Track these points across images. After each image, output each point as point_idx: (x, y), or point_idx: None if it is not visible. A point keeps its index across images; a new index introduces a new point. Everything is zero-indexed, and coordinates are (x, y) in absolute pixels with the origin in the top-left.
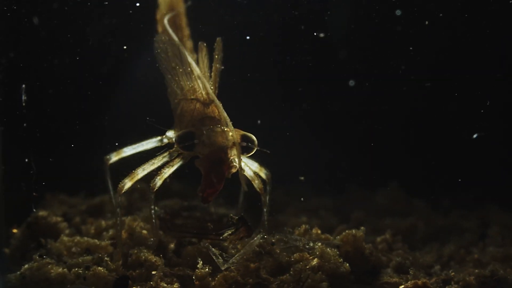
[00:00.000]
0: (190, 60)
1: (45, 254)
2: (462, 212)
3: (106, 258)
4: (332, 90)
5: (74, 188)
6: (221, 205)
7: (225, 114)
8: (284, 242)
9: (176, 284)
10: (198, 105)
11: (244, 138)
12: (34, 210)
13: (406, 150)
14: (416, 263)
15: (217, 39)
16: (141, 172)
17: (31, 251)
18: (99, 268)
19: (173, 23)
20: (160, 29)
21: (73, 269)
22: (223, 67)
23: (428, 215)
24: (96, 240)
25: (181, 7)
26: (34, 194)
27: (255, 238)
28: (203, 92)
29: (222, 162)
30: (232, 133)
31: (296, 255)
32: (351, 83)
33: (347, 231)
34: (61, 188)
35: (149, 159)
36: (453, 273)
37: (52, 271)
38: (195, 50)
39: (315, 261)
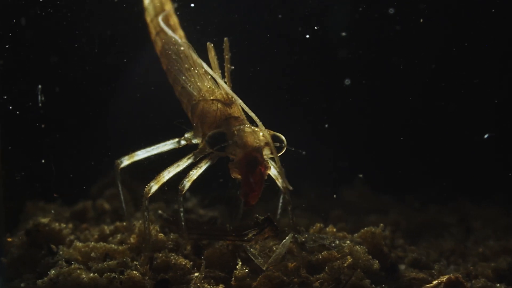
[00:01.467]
0: (201, 61)
1: (61, 260)
2: (436, 207)
3: (135, 262)
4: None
5: (50, 195)
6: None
7: (253, 114)
8: (313, 241)
9: (221, 285)
10: (219, 105)
11: (274, 138)
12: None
13: (370, 146)
14: (429, 258)
15: (225, 39)
16: (167, 174)
17: (37, 258)
18: (133, 272)
19: (166, 24)
20: (152, 32)
21: (105, 274)
22: (233, 67)
23: (405, 212)
24: (113, 245)
25: (170, 8)
26: (54, 195)
27: (287, 238)
28: (223, 92)
29: (259, 163)
30: (264, 133)
31: (324, 253)
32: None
33: (365, 228)
34: (38, 196)
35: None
36: (471, 267)
37: (84, 276)
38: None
39: (350, 259)
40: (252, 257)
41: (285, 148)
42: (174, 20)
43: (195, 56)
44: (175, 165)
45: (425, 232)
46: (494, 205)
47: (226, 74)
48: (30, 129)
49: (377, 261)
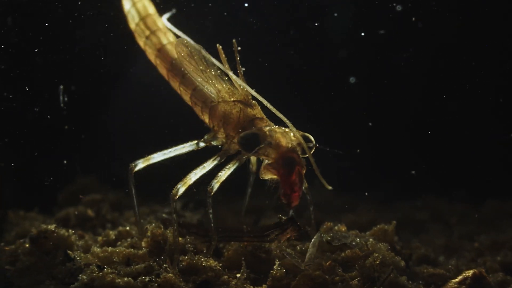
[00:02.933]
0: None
1: (78, 265)
2: (402, 204)
3: (165, 265)
4: None
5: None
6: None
7: (281, 114)
8: (338, 239)
9: (264, 285)
10: (242, 106)
11: (303, 138)
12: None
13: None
14: (435, 254)
15: (233, 41)
16: (194, 176)
17: (51, 265)
18: (169, 274)
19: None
20: (140, 38)
21: (139, 278)
22: (244, 69)
23: (376, 209)
24: (131, 249)
25: (154, 11)
26: (80, 196)
27: (315, 237)
28: (242, 93)
29: (296, 163)
30: (295, 133)
31: (348, 252)
32: None
33: (378, 226)
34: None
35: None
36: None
37: (119, 280)
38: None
39: (378, 257)
40: (288, 256)
41: (314, 148)
42: (162, 23)
43: (209, 57)
44: (201, 166)
45: (402, 229)
46: (456, 201)
47: (240, 75)
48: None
49: (400, 258)
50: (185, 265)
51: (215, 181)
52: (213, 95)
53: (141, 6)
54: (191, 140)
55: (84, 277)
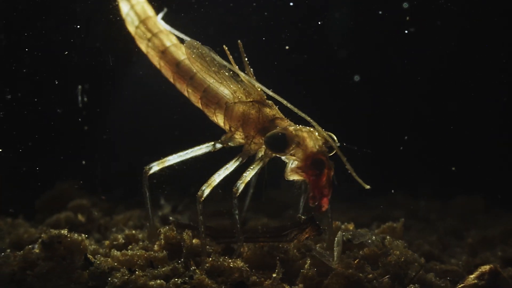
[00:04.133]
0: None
1: (102, 269)
2: (374, 201)
3: (193, 267)
4: None
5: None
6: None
7: (304, 114)
8: (357, 238)
9: (300, 284)
10: (260, 106)
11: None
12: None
13: None
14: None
15: (238, 42)
16: (218, 177)
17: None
18: (203, 276)
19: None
20: (141, 41)
21: (171, 280)
22: (251, 69)
23: (352, 207)
24: (151, 252)
25: (152, 15)
26: (102, 197)
27: (338, 236)
28: (258, 93)
29: (326, 164)
30: (322, 133)
31: (366, 250)
32: None
33: (387, 223)
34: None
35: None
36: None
37: (152, 282)
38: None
39: (400, 254)
40: (318, 255)
41: (336, 149)
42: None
43: (219, 59)
44: (224, 168)
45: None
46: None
47: (251, 75)
48: None
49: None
50: (210, 267)
51: (240, 182)
52: (228, 96)
53: (140, 9)
54: (204, 142)
55: (116, 280)
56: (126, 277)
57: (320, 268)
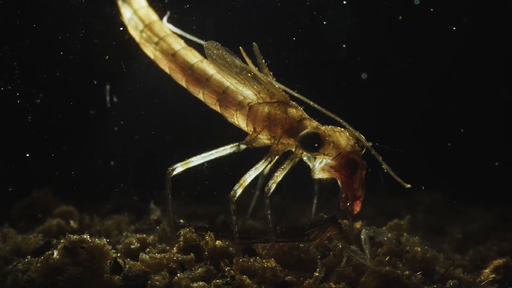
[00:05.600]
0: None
1: (136, 272)
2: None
3: (226, 268)
4: None
5: None
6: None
7: (332, 114)
8: (378, 235)
9: (342, 283)
10: (286, 107)
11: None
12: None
13: None
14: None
15: (254, 44)
16: (249, 178)
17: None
18: (243, 276)
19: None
20: (147, 46)
21: (213, 281)
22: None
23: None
24: (179, 255)
25: (156, 19)
26: (134, 198)
27: (364, 234)
28: (282, 94)
29: (359, 164)
30: (353, 133)
31: (384, 247)
32: None
33: (394, 221)
34: None
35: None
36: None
37: (195, 284)
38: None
39: (426, 251)
40: (352, 254)
41: (365, 148)
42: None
43: (240, 60)
44: (254, 168)
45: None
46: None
47: (270, 76)
48: None
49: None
50: (241, 267)
51: (272, 181)
52: (250, 97)
53: (144, 13)
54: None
55: (157, 283)
56: (167, 279)
57: (355, 266)
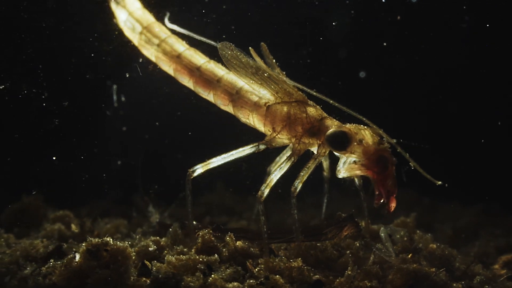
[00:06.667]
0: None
1: (166, 274)
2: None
3: (256, 268)
4: None
5: None
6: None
7: (355, 113)
8: (394, 233)
9: (374, 281)
10: (306, 106)
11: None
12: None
13: None
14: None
15: (262, 44)
16: (275, 177)
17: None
18: (277, 276)
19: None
20: (146, 48)
21: (247, 281)
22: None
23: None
24: (204, 256)
25: (154, 20)
26: (145, 198)
27: (383, 232)
28: (300, 94)
29: (389, 160)
30: (378, 131)
31: (399, 245)
32: None
33: (401, 218)
34: None
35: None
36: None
37: (230, 285)
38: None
39: (441, 248)
40: (378, 252)
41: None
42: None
43: (253, 60)
44: (278, 168)
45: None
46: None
47: (283, 75)
48: None
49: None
50: (267, 267)
51: (298, 181)
52: (266, 97)
53: (141, 15)
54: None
55: (192, 284)
56: (201, 280)
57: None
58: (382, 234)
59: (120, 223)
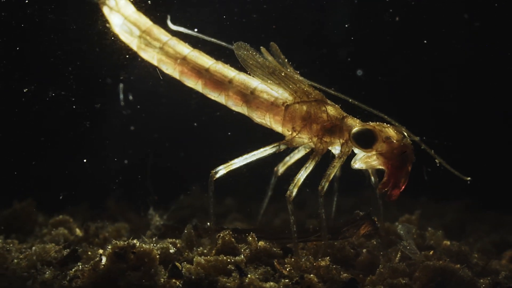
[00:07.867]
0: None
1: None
2: None
3: (288, 268)
4: None
5: None
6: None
7: (377, 111)
8: (408, 231)
9: (406, 278)
10: (325, 105)
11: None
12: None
13: None
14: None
15: (272, 43)
16: (302, 177)
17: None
18: (311, 275)
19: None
20: (147, 50)
21: (282, 281)
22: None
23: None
24: (230, 256)
25: (151, 24)
26: (155, 197)
27: (402, 230)
28: (318, 93)
29: (411, 159)
30: (401, 129)
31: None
32: None
33: (405, 215)
34: None
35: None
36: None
37: (267, 285)
38: None
39: (455, 245)
40: (403, 249)
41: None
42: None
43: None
44: (304, 168)
45: None
46: None
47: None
48: None
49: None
50: (291, 268)
51: (324, 180)
52: (283, 96)
53: (138, 18)
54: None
55: (229, 284)
56: (236, 281)
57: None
58: (402, 232)
59: (121, 227)
